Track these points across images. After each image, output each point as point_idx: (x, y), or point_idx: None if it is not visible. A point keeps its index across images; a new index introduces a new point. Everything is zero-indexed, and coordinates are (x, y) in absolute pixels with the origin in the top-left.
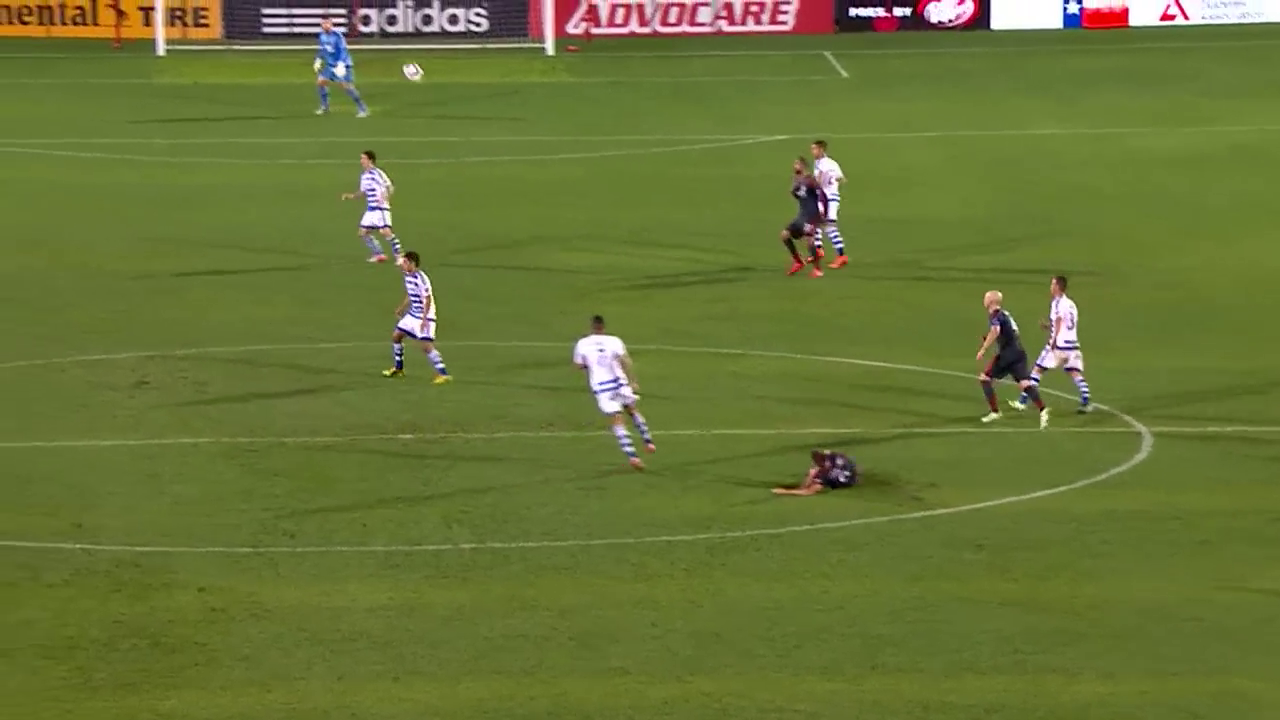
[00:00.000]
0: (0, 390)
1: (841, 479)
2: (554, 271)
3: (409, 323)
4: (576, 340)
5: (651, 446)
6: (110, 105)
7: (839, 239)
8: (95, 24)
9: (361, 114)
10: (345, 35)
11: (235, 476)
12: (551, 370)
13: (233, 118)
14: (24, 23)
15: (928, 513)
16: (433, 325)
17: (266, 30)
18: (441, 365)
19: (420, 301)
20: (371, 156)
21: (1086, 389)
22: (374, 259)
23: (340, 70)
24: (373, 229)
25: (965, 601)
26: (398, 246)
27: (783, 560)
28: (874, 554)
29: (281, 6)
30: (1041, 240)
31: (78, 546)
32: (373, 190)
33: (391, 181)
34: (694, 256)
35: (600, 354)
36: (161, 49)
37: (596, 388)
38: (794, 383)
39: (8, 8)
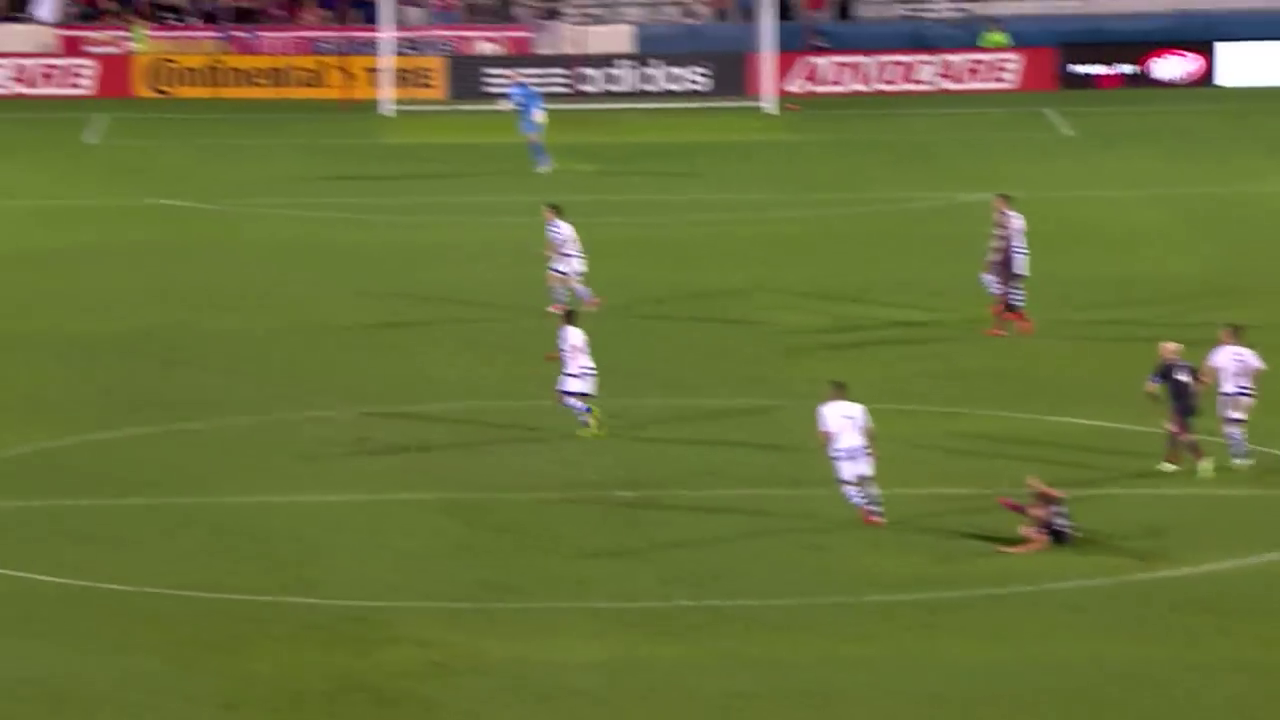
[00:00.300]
0: (230, 446)
1: (1057, 524)
2: (773, 328)
3: (574, 384)
4: (818, 407)
5: (877, 518)
6: (338, 165)
7: (1003, 290)
8: (324, 85)
9: (544, 167)
10: (567, 95)
11: (456, 532)
12: (769, 426)
13: (457, 175)
14: (256, 84)
15: (1151, 574)
16: (573, 379)
17: (489, 90)
18: (586, 417)
19: (567, 354)
20: (555, 210)
21: (1242, 438)
22: (589, 303)
23: (539, 116)
24: (565, 275)
25: (1194, 666)
26: (564, 295)
27: (1004, 621)
28: (1098, 615)
29: (504, 66)
30: (1269, 299)
31: (303, 600)
32: (562, 241)
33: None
34: (913, 314)
35: (849, 421)
36: (387, 109)
37: (840, 453)
38: (1013, 441)
39: (240, 70)
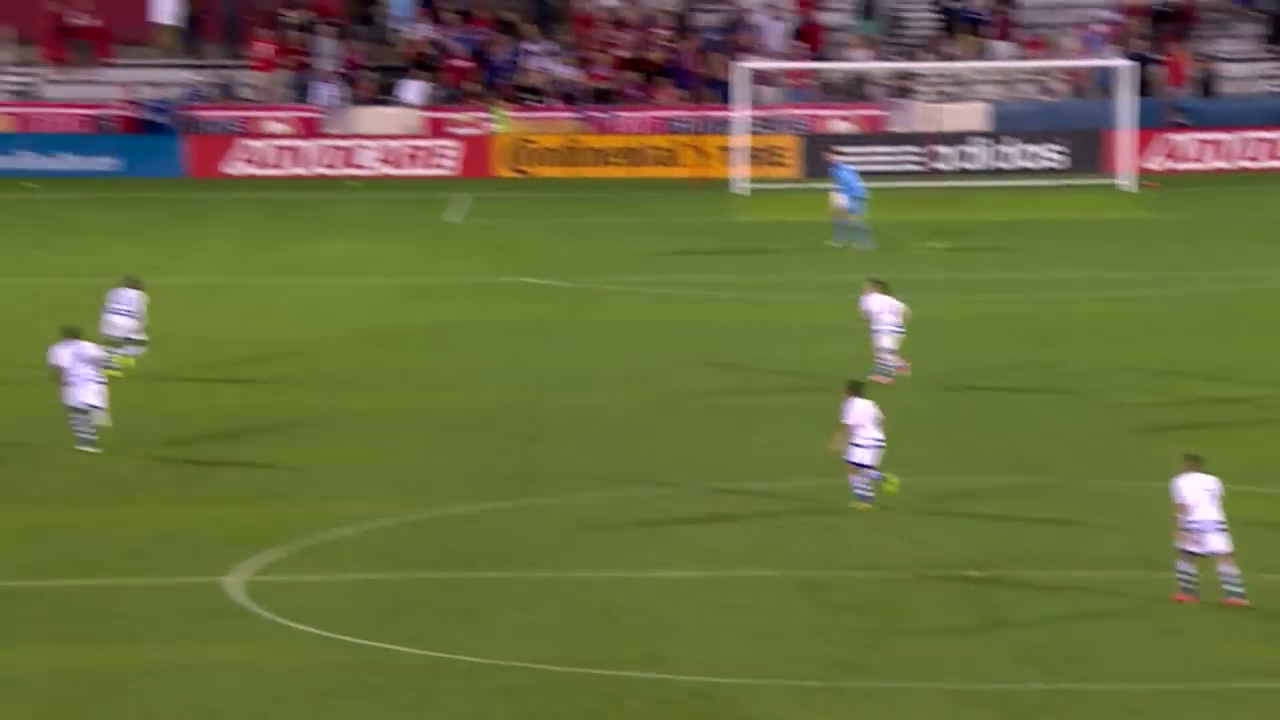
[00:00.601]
0: (583, 520)
1: None
2: (1127, 406)
3: (859, 454)
4: (1173, 479)
5: (1237, 599)
6: (691, 242)
7: None
8: (677, 164)
9: (838, 243)
10: (920, 173)
11: (805, 609)
12: (1121, 506)
13: (809, 253)
14: (612, 163)
15: None
16: (859, 449)
17: None
18: (867, 493)
19: (853, 427)
20: (877, 284)
21: None
22: (883, 380)
23: (837, 200)
24: (886, 351)
25: None
26: (890, 368)
27: None
28: None
29: (857, 145)
30: None
31: (653, 676)
32: (875, 314)
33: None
34: (1275, 393)
35: (1206, 493)
36: (741, 188)
37: (1196, 526)
38: None
39: (597, 150)
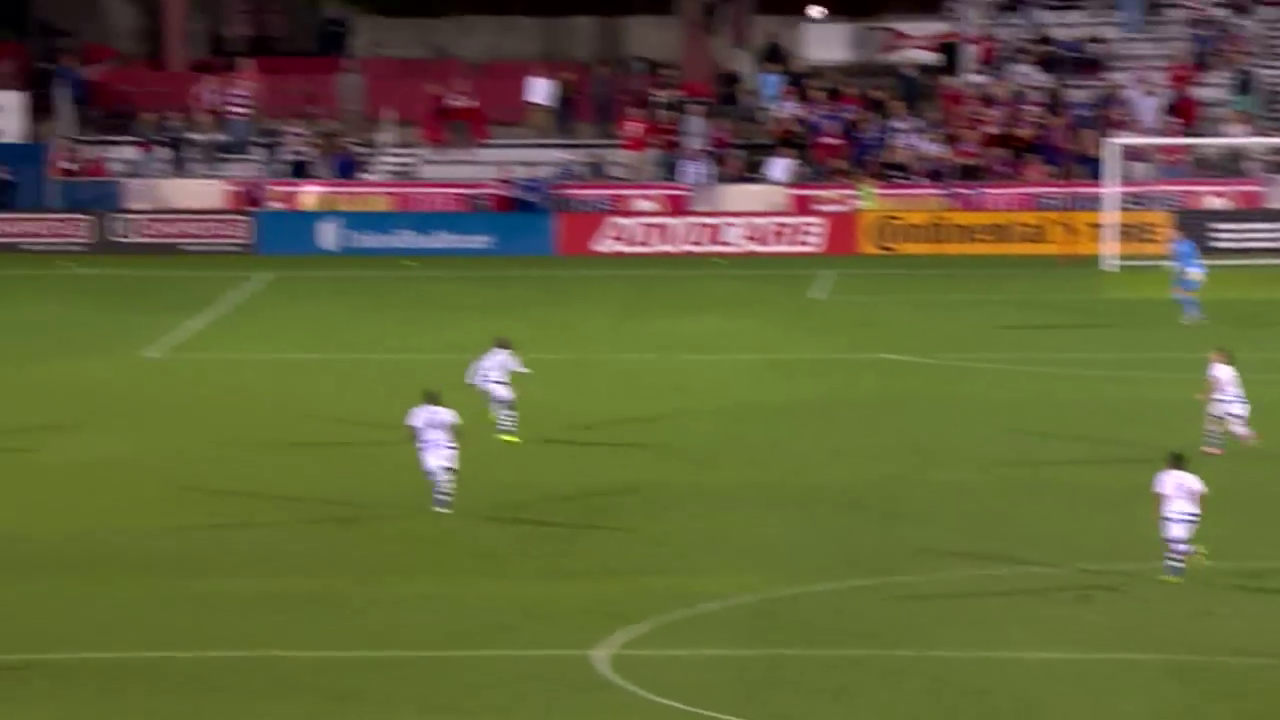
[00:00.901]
0: (948, 599)
1: None
2: None
3: (1172, 529)
4: None
5: None
6: (1058, 319)
7: None
8: (1045, 241)
9: (1188, 319)
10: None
11: (1179, 696)
12: None
13: (1179, 330)
14: (977, 240)
15: None
16: (1170, 524)
17: (1217, 245)
18: (1178, 565)
19: (1166, 498)
20: (1223, 354)
21: None
22: (1248, 439)
23: (1195, 274)
24: (1220, 418)
25: None
26: (1219, 439)
27: None
28: None
29: (1233, 221)
30: None
31: None
32: (1221, 383)
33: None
34: None
35: None
36: (1110, 264)
37: None
38: None
39: (963, 226)
